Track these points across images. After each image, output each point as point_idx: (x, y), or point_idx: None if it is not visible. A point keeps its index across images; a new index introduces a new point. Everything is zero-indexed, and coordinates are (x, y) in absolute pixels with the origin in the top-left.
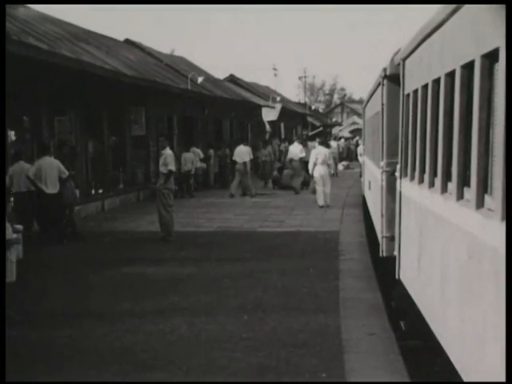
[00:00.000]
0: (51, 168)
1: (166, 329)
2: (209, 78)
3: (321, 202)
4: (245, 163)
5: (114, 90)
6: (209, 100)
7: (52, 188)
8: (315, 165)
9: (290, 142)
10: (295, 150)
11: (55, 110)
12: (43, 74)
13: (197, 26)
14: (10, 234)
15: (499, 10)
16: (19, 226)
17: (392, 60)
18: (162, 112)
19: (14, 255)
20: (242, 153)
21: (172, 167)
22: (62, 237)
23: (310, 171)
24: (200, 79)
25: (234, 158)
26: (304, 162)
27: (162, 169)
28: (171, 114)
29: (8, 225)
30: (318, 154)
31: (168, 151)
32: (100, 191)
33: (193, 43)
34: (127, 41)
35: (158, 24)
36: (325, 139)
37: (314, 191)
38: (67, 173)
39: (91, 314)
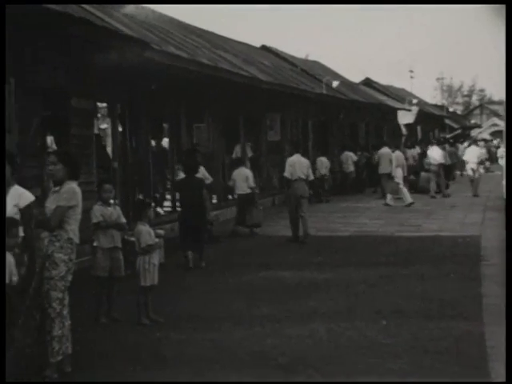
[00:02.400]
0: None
1: (304, 333)
2: (344, 81)
3: (409, 199)
4: (440, 165)
5: (250, 96)
6: (344, 104)
7: None
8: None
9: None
10: (433, 154)
11: (194, 118)
12: (183, 82)
13: (331, 29)
14: (152, 239)
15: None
16: (161, 231)
17: None
18: (297, 117)
19: (156, 259)
20: (438, 155)
21: (285, 173)
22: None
23: (393, 173)
24: (335, 83)
25: (428, 160)
26: (444, 166)
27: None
28: (306, 119)
29: (150, 230)
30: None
31: (291, 158)
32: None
33: (328, 47)
34: (263, 47)
35: (293, 29)
36: (407, 142)
37: (394, 191)
38: (211, 179)
39: (230, 317)
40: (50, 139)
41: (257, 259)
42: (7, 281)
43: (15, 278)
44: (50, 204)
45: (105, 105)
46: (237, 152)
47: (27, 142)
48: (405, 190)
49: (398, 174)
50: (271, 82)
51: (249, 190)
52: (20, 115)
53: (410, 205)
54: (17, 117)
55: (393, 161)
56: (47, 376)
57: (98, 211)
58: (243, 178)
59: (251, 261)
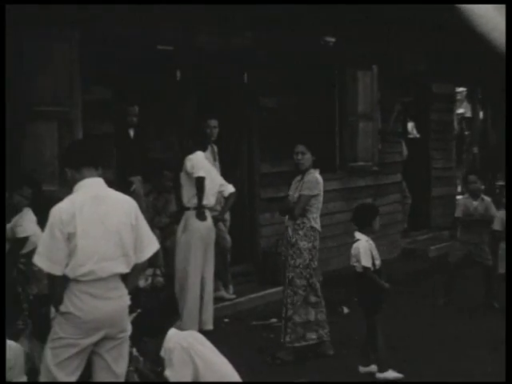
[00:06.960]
0: None
1: None
2: None
3: None
4: None
5: None
6: None
7: None
8: None
9: None
10: None
11: None
12: None
13: None
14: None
15: None
16: None
17: None
18: None
19: None
20: None
21: None
22: None
23: None
24: None
25: None
26: None
27: None
28: None
29: None
30: None
31: None
32: None
33: None
34: None
35: None
36: None
37: None
38: None
39: None
40: (410, 125)
41: None
42: (369, 265)
43: (378, 262)
44: (293, 192)
45: (461, 89)
46: None
47: (388, 128)
48: None
49: None
50: None
51: None
52: (382, 102)
53: None
54: (379, 104)
55: None
56: (279, 358)
57: (461, 206)
58: None
59: None
